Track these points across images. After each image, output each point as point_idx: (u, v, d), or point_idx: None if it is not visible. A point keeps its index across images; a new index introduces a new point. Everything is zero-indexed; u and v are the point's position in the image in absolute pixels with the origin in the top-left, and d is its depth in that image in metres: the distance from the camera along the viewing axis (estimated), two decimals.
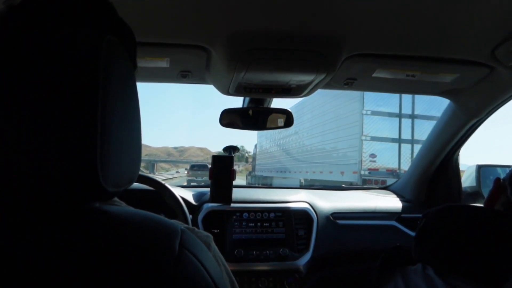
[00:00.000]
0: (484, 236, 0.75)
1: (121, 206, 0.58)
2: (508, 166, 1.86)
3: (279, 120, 1.60)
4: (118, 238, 0.44)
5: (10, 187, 0.42)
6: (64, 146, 0.40)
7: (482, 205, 1.80)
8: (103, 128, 0.41)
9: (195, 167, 23.84)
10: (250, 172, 23.09)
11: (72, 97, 0.40)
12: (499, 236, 0.74)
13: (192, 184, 19.95)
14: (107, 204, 0.52)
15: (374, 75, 1.32)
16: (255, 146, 21.60)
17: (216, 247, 0.61)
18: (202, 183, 19.82)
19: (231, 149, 1.71)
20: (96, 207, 0.47)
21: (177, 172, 55.64)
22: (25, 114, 0.40)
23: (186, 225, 0.59)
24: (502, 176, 1.92)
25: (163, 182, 1.47)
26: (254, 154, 21.81)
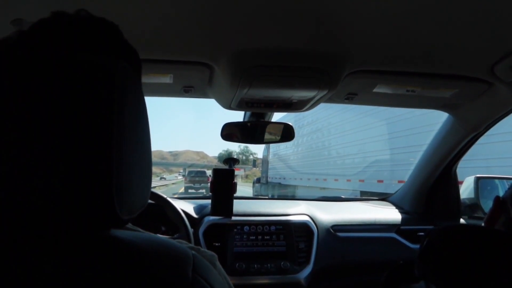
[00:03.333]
0: (486, 256, 0.76)
1: (127, 228, 0.58)
2: (506, 178, 1.88)
3: (277, 133, 1.62)
4: (132, 266, 0.44)
5: (26, 215, 0.42)
6: (80, 175, 0.40)
7: (480, 215, 1.83)
8: (118, 156, 0.41)
9: (192, 173, 23.46)
10: (258, 179, 18.15)
11: (86, 125, 0.41)
12: (500, 256, 0.75)
13: (190, 191, 19.32)
14: (120, 229, 0.52)
15: (375, 90, 1.34)
16: (267, 145, 16.39)
17: (220, 266, 0.62)
18: (200, 190, 19.40)
19: (231, 162, 1.71)
20: (110, 234, 0.47)
21: (161, 178, 45.97)
22: (40, 142, 0.40)
23: (190, 245, 0.59)
24: (500, 187, 1.95)
25: (165, 196, 1.47)
26: (265, 156, 17.01)
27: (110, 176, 0.41)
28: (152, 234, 0.57)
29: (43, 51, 0.47)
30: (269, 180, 16.40)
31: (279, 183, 15.54)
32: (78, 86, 0.41)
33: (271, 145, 15.43)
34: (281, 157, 16.09)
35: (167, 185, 31.35)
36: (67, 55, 0.44)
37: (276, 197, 10.85)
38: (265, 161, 17.18)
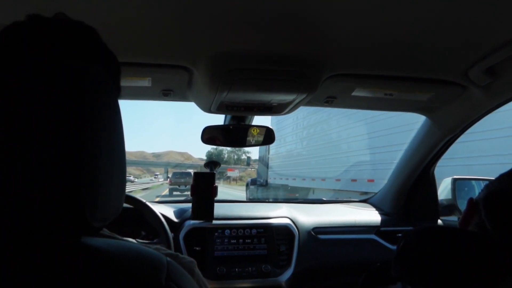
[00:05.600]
0: (460, 257, 0.78)
1: (103, 235, 0.57)
2: (482, 179, 1.92)
3: (259, 136, 1.62)
4: (103, 274, 0.43)
5: None
6: (49, 182, 0.39)
7: (456, 217, 1.87)
8: (90, 162, 0.41)
9: (177, 175, 22.57)
10: (253, 180, 15.54)
11: (55, 129, 0.40)
12: (474, 257, 0.77)
13: (175, 193, 18.50)
14: (92, 236, 0.52)
15: (353, 93, 1.35)
16: None
17: (199, 272, 0.61)
18: (186, 192, 18.57)
19: (212, 165, 1.71)
20: (81, 242, 0.46)
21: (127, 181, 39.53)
22: (6, 145, 0.39)
23: (169, 252, 0.59)
24: (476, 188, 1.99)
25: (144, 200, 1.45)
26: (263, 154, 14.26)
27: (80, 182, 0.40)
28: (127, 241, 0.56)
29: (14, 54, 0.46)
30: (269, 181, 13.66)
31: (286, 185, 12.42)
32: (48, 89, 0.41)
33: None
34: (290, 152, 12.90)
35: (132, 191, 19.41)
36: (37, 58, 0.43)
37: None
38: (263, 159, 14.36)
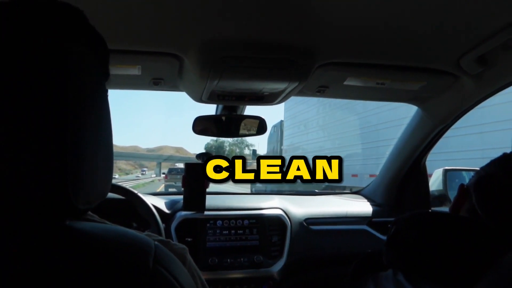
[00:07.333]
0: (451, 242, 0.78)
1: (93, 221, 0.57)
2: (473, 170, 1.94)
3: (252, 127, 1.61)
4: (88, 256, 0.43)
5: None
6: (33, 164, 0.39)
7: (447, 208, 1.88)
8: (74, 144, 0.40)
9: (173, 171, 21.95)
10: None
11: (40, 112, 0.39)
12: (464, 242, 0.77)
13: (170, 190, 18.30)
14: (79, 220, 0.51)
15: (345, 83, 1.35)
16: (280, 124, 11.76)
17: (191, 259, 0.61)
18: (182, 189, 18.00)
19: (204, 156, 1.70)
20: (67, 225, 0.46)
21: None
22: None
23: (160, 238, 0.58)
24: (466, 179, 2.01)
25: (135, 191, 1.44)
26: (273, 146, 12.35)
27: (64, 164, 0.39)
28: (113, 225, 0.55)
29: None
30: None
31: None
32: (32, 69, 0.40)
33: (286, 129, 11.83)
34: (317, 140, 10.72)
35: None
36: (18, 37, 0.42)
37: None
38: (274, 152, 12.41)
